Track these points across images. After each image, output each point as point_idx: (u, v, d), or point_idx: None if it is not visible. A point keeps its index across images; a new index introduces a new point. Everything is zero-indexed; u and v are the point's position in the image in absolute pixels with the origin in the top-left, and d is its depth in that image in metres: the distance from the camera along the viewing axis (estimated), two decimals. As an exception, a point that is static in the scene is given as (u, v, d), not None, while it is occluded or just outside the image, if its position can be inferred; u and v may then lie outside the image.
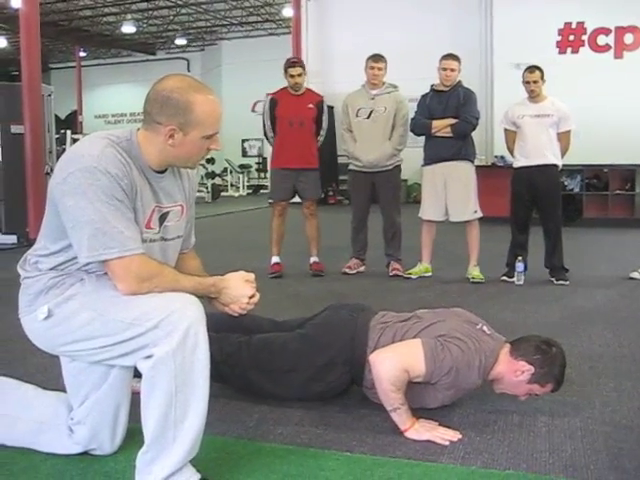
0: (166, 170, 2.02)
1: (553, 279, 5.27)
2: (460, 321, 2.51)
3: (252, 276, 2.06)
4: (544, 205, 5.37)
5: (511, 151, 5.54)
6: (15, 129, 7.71)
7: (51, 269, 1.94)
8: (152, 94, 1.91)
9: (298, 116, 5.52)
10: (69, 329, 1.89)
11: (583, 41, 11.33)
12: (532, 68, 5.31)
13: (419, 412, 2.37)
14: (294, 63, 5.56)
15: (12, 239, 7.65)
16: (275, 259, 5.67)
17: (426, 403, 2.44)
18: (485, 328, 2.50)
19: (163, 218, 2.01)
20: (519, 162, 5.40)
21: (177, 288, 1.88)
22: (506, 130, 5.52)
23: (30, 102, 7.66)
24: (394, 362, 2.28)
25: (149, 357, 1.79)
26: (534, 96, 5.29)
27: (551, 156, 5.28)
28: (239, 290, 2.01)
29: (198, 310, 1.83)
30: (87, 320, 1.86)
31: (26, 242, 7.36)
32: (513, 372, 2.39)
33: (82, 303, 1.88)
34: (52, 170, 7.76)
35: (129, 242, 1.82)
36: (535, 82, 5.24)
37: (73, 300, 1.89)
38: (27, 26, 7.79)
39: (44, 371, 2.88)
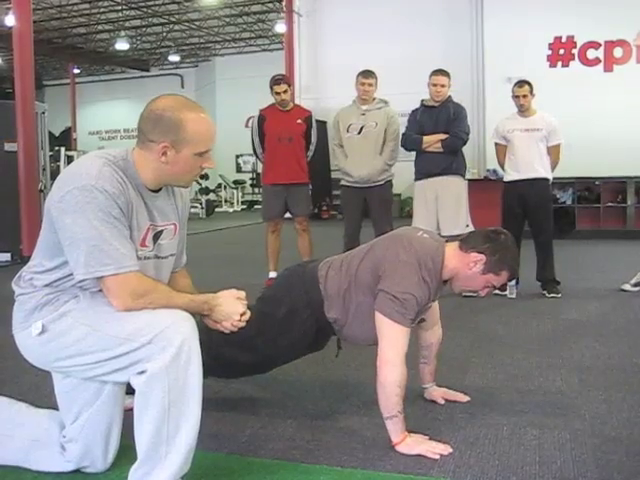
0: (161, 189, 2.06)
1: (545, 292, 5.30)
2: (400, 232, 2.53)
3: (243, 294, 2.09)
4: (535, 218, 5.41)
5: (502, 165, 5.59)
6: (8, 147, 7.70)
7: (46, 286, 1.96)
8: (145, 113, 1.95)
9: (287, 132, 5.56)
10: (63, 344, 1.91)
11: (573, 55, 11.46)
12: (521, 82, 5.37)
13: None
14: (278, 80, 5.59)
15: (6, 256, 7.63)
16: (272, 274, 5.69)
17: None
18: (425, 235, 2.50)
19: (157, 236, 2.05)
20: (510, 176, 5.45)
21: (171, 305, 1.91)
22: (497, 144, 5.58)
23: (24, 120, 7.68)
24: (394, 360, 2.25)
25: (143, 372, 1.82)
26: (524, 110, 5.35)
27: (541, 170, 5.34)
28: (231, 307, 2.03)
29: (191, 326, 1.86)
30: (81, 335, 1.88)
31: (20, 259, 7.37)
32: (466, 265, 2.39)
33: (76, 319, 1.90)
34: (46, 187, 7.78)
35: (125, 259, 1.85)
36: (524, 96, 5.30)
37: (67, 316, 1.91)
38: (21, 44, 7.83)
39: (36, 389, 2.89)
